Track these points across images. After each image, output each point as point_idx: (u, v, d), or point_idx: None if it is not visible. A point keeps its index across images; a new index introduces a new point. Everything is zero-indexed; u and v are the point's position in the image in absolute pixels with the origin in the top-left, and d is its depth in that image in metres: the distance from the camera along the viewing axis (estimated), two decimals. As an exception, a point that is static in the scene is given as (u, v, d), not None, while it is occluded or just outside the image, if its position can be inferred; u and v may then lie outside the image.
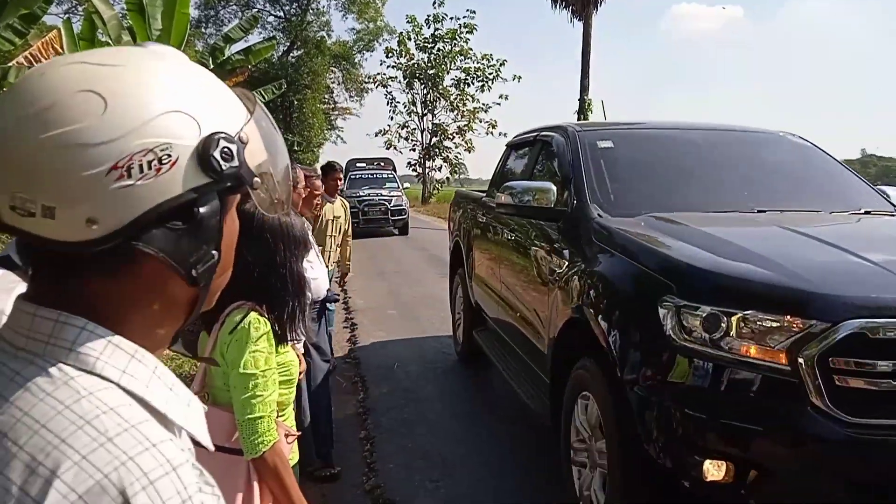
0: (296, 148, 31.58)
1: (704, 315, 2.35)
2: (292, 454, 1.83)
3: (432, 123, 32.37)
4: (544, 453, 3.83)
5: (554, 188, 3.60)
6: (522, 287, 4.06)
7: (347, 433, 4.38)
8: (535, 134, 4.86)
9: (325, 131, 36.22)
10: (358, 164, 22.93)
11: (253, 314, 1.73)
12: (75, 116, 0.61)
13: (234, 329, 1.70)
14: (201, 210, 0.67)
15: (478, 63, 31.07)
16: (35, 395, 0.62)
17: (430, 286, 9.39)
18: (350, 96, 37.10)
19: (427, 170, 32.85)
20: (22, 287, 0.95)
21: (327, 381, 3.78)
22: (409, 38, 31.15)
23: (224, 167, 0.67)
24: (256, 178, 0.72)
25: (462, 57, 31.12)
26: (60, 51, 8.98)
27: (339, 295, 4.81)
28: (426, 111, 32.33)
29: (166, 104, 0.65)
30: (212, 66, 11.15)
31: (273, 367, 1.75)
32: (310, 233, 3.82)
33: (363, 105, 41.66)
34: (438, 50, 31.07)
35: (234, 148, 0.68)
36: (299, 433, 1.95)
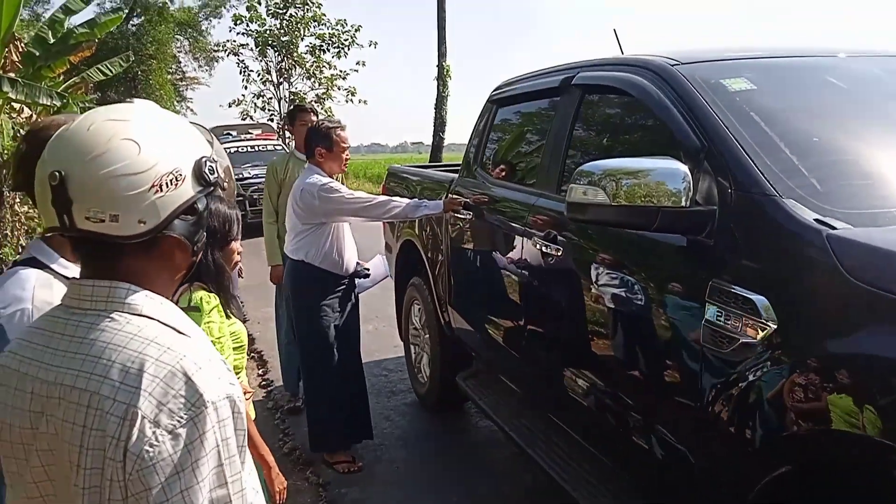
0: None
1: None
2: (249, 409, 2.10)
3: (289, 92, 31.69)
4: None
5: (685, 170, 1.89)
6: (606, 361, 2.36)
7: (256, 405, 4.55)
8: (560, 77, 2.90)
9: (175, 103, 34.45)
10: (227, 132, 17.80)
11: (202, 291, 1.97)
12: (122, 157, 0.95)
13: (188, 305, 1.94)
14: (199, 207, 1.04)
15: (332, 29, 30.66)
16: (111, 332, 0.96)
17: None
18: (199, 66, 35.35)
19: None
20: (55, 282, 1.45)
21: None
22: (259, 3, 30.14)
23: (210, 178, 1.04)
24: (226, 182, 1.11)
25: (316, 23, 30.55)
26: None
27: (367, 270, 3.93)
28: (282, 79, 31.58)
29: (173, 143, 1.02)
30: (52, 41, 10.38)
31: (226, 334, 2.02)
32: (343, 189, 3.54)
33: (213, 75, 39.73)
34: (291, 16, 30.31)
35: (214, 165, 1.05)
36: (252, 391, 2.24)
